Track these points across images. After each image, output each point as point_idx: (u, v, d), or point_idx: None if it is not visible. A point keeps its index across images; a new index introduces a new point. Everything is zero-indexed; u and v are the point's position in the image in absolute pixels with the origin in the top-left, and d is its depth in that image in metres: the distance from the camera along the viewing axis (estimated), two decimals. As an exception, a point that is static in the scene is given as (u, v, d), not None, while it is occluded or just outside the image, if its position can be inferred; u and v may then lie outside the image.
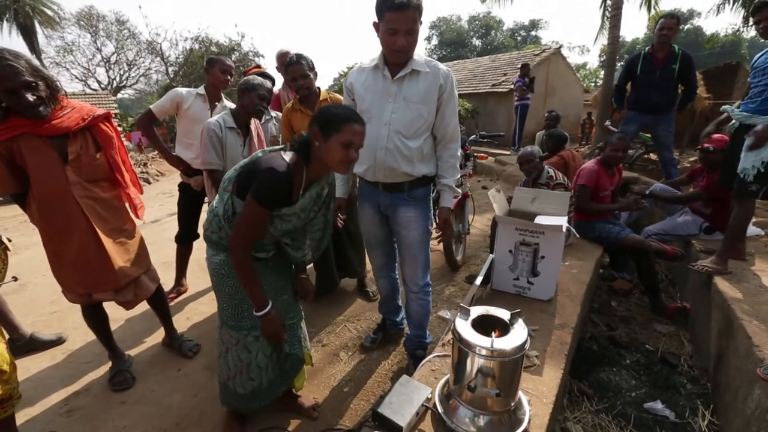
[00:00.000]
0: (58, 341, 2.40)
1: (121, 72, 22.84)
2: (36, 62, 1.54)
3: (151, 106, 2.58)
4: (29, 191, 1.65)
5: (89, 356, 2.27)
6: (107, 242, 1.74)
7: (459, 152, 1.79)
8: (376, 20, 1.53)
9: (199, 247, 2.11)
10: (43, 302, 2.93)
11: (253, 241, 1.33)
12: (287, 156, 1.30)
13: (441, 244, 3.08)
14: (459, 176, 1.79)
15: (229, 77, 2.58)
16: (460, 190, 1.75)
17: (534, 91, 8.06)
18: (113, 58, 22.22)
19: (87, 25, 21.21)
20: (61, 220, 1.66)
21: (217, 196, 1.43)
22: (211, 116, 2.49)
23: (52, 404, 1.92)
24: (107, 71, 22.30)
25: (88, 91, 20.13)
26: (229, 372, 1.52)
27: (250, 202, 1.26)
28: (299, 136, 1.36)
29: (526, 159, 2.82)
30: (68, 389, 2.01)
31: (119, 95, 24.08)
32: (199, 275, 3.17)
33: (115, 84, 22.62)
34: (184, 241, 2.83)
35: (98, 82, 22.24)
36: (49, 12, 19.79)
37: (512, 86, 11.02)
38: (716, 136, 2.80)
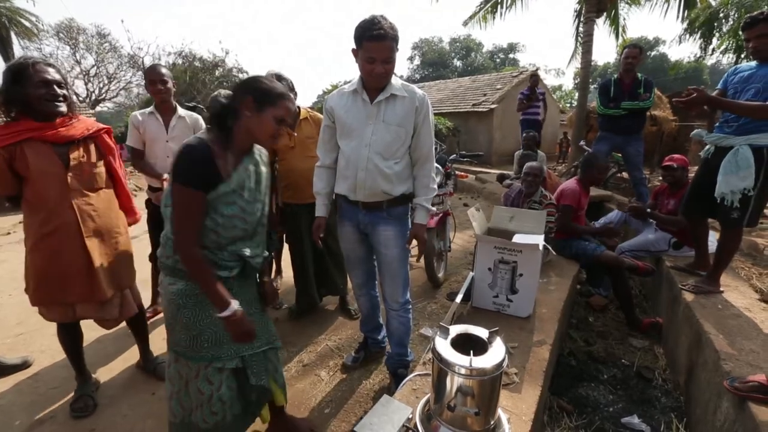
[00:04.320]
0: (24, 365, 2.28)
1: (101, 85, 22.40)
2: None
3: (126, 143, 2.49)
4: (22, 196, 1.68)
5: (56, 381, 2.17)
6: (95, 253, 1.74)
7: (434, 173, 1.85)
8: (355, 48, 1.59)
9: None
10: (8, 324, 2.78)
11: (195, 232, 1.20)
12: (204, 134, 1.24)
13: (423, 261, 3.11)
14: (432, 195, 1.85)
15: (161, 86, 2.39)
16: (434, 209, 1.78)
17: (543, 102, 6.74)
18: (93, 71, 21.83)
19: (67, 37, 20.86)
20: (56, 225, 1.66)
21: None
22: (168, 130, 2.45)
23: (13, 434, 1.81)
24: (86, 84, 21.85)
25: (65, 103, 19.63)
26: (190, 405, 1.36)
27: (175, 188, 1.17)
28: (215, 104, 1.26)
29: (534, 173, 2.88)
30: (32, 417, 1.91)
31: (98, 108, 23.57)
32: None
33: (93, 97, 22.16)
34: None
35: (76, 94, 21.64)
36: (27, 23, 19.37)
37: (492, 106, 11.44)
38: (677, 156, 3.00)
